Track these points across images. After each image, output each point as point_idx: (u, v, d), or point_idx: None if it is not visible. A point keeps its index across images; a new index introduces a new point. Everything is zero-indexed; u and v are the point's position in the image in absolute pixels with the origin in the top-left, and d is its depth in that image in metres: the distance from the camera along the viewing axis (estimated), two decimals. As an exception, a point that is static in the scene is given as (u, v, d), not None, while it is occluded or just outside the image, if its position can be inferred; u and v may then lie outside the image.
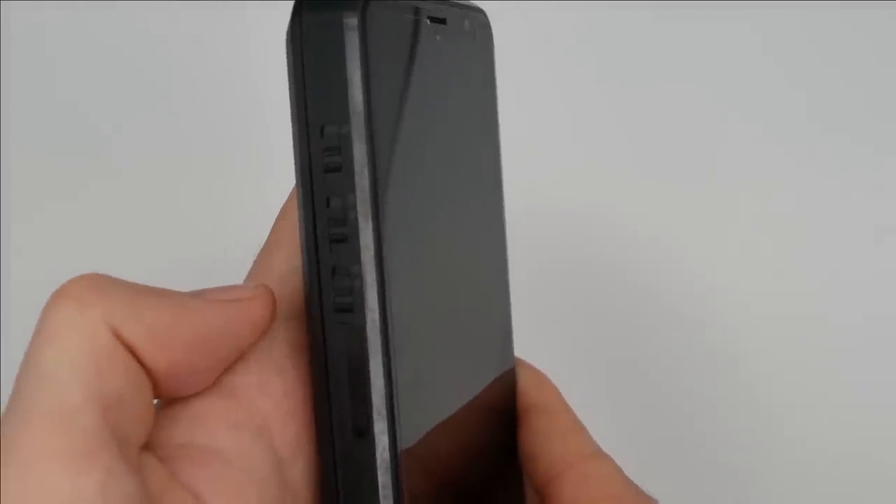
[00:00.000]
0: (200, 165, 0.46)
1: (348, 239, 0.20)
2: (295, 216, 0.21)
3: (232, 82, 0.46)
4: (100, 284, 0.18)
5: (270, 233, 0.23)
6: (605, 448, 0.25)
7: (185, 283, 0.21)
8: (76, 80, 0.47)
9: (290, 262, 0.22)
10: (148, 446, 0.19)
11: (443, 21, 0.23)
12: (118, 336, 0.18)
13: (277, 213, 0.23)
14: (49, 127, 0.47)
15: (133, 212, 0.46)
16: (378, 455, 0.20)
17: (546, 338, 0.33)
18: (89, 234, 0.46)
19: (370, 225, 0.20)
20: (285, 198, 0.24)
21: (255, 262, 0.23)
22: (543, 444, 0.25)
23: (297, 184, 0.21)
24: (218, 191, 0.46)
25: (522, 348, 0.27)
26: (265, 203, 0.27)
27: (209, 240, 0.45)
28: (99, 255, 0.40)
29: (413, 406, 0.21)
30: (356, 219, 0.20)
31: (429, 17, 0.23)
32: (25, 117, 0.46)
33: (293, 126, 0.20)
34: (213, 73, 0.46)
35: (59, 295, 0.18)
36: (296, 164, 0.20)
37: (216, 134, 0.46)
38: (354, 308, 0.20)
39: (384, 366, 0.20)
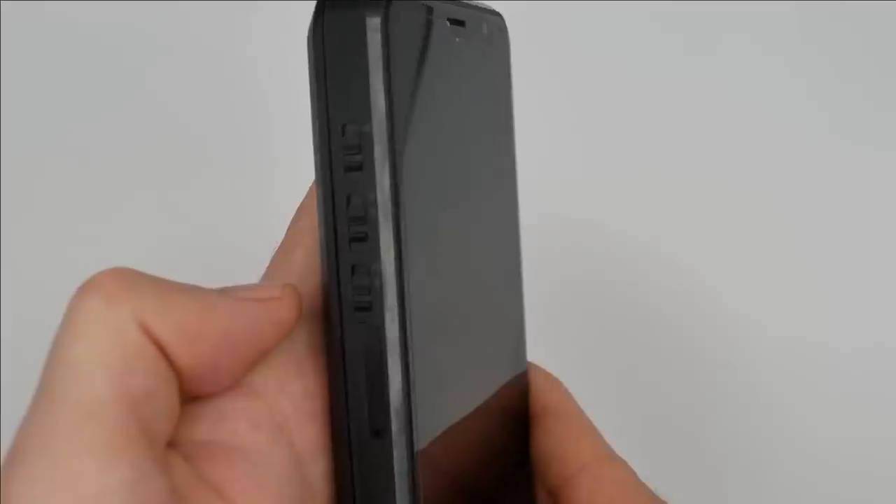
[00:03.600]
0: (204, 166, 0.46)
1: (368, 237, 0.20)
2: (313, 214, 0.21)
3: (237, 82, 0.45)
4: (128, 279, 0.18)
5: (288, 231, 0.23)
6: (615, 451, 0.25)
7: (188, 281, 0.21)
8: (76, 81, 0.46)
9: (308, 260, 0.22)
10: (171, 444, 0.19)
11: (462, 23, 0.23)
12: (147, 332, 0.18)
13: (294, 212, 0.23)
14: (50, 127, 0.46)
15: (135, 211, 0.46)
16: (395, 455, 0.20)
17: (554, 341, 0.33)
18: (90, 234, 0.46)
19: (391, 223, 0.20)
20: (291, 197, 0.23)
21: (273, 261, 0.23)
22: (557, 446, 0.25)
23: (316, 182, 0.20)
24: (222, 191, 0.46)
25: (532, 352, 0.27)
26: (272, 203, 0.27)
27: (213, 240, 0.45)
28: (101, 254, 0.40)
29: (430, 406, 0.21)
30: (377, 217, 0.20)
31: (448, 20, 0.23)
32: (26, 117, 0.46)
33: (314, 125, 0.20)
34: (219, 72, 0.46)
35: (87, 288, 0.18)
36: (316, 162, 0.20)
37: (221, 134, 0.45)
38: (373, 307, 0.20)
39: (402, 365, 0.20)
